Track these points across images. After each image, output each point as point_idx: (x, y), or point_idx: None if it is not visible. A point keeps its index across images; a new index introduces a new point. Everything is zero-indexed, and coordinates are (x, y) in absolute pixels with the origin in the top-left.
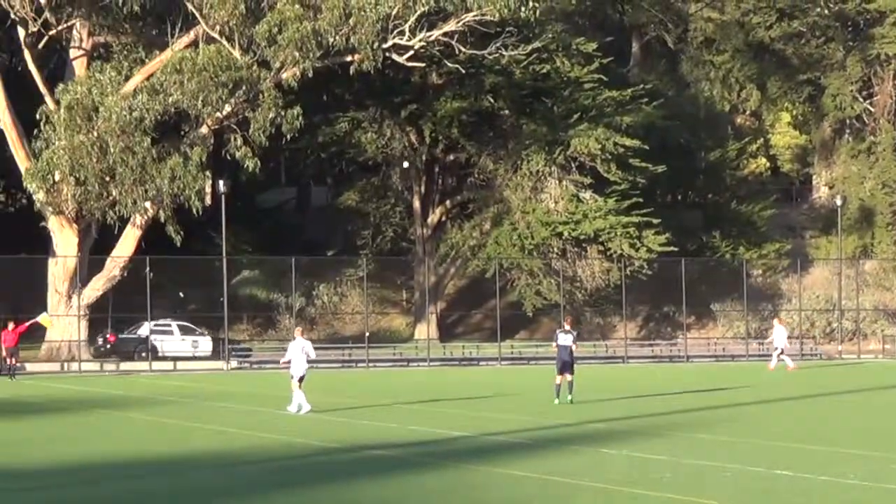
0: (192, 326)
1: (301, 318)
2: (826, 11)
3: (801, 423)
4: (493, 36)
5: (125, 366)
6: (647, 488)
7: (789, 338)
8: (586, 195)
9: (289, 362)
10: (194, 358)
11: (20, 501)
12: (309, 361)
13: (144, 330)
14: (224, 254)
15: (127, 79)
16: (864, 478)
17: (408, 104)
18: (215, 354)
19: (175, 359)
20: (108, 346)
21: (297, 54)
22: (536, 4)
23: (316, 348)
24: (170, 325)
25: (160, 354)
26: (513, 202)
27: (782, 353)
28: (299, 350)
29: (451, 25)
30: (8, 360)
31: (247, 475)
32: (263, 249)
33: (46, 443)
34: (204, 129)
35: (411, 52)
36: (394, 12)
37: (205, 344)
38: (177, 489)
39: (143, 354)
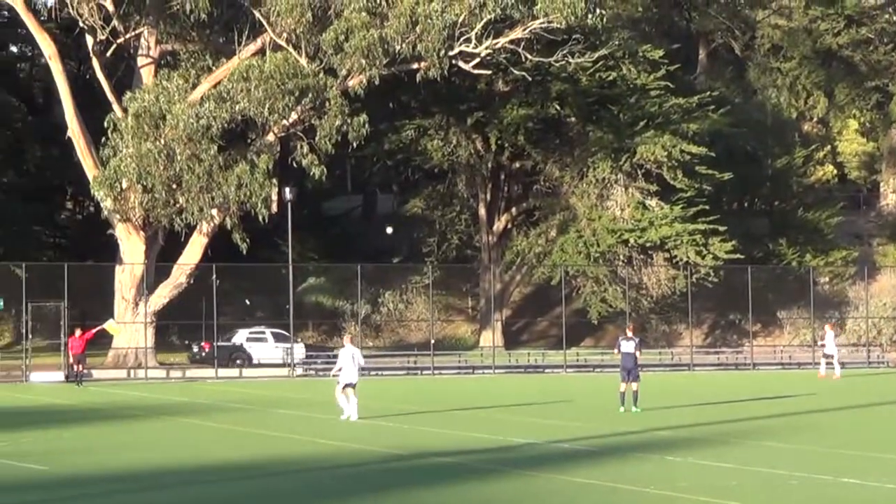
0: (286, 334)
1: (367, 326)
2: (895, 18)
3: (867, 431)
4: (560, 43)
5: (191, 373)
6: (714, 496)
7: (855, 345)
8: (652, 202)
9: (340, 370)
10: (260, 365)
11: None
12: (359, 369)
13: (238, 338)
14: (290, 261)
15: (194, 86)
16: None
17: (474, 111)
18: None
19: (240, 365)
20: (204, 353)
21: (363, 62)
22: (603, 12)
23: (381, 355)
24: (264, 333)
25: (254, 362)
26: (579, 209)
27: (831, 358)
28: (349, 358)
29: (517, 33)
30: (75, 367)
31: (313, 481)
32: (329, 257)
33: (113, 449)
34: (270, 137)
35: (477, 60)
36: (460, 20)
37: (298, 351)
38: (243, 495)
39: (238, 362)
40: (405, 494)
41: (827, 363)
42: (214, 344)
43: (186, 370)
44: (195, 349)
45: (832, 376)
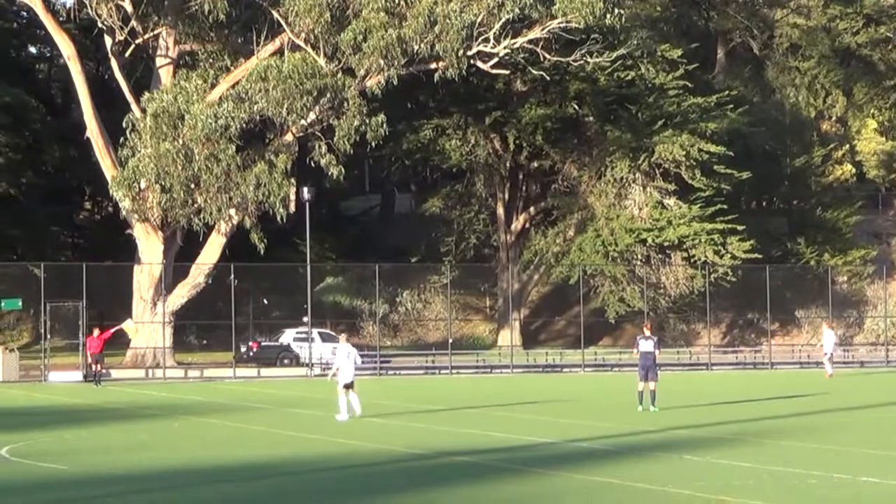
0: (333, 333)
1: (385, 325)
2: None
3: (886, 430)
4: (578, 43)
5: (209, 372)
6: (732, 495)
7: (874, 344)
8: (670, 202)
9: (338, 371)
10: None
11: None
12: (356, 369)
13: (286, 337)
14: (308, 261)
15: (212, 87)
16: None
17: (492, 111)
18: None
19: (288, 365)
20: (252, 353)
21: (381, 62)
22: (622, 11)
23: (399, 354)
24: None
25: (302, 361)
26: (597, 209)
27: (830, 357)
28: (345, 356)
29: (535, 33)
30: (93, 367)
31: (332, 481)
32: (347, 256)
33: (131, 449)
34: (288, 137)
35: (496, 60)
36: (479, 20)
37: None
38: (260, 494)
39: (286, 361)
40: (422, 494)
41: (829, 361)
42: (234, 342)
43: (204, 370)
44: (243, 349)
45: (826, 374)
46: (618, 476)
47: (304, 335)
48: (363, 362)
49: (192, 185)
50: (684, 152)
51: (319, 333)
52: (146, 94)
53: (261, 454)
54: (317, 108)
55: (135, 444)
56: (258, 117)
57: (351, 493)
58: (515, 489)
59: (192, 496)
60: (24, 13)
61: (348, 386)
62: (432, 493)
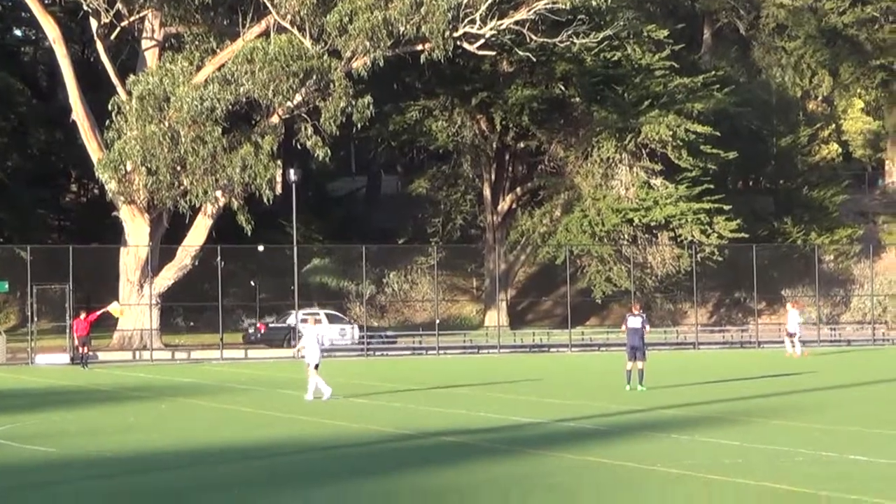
0: (340, 315)
1: (372, 306)
2: None
3: (873, 408)
4: (565, 24)
5: (196, 354)
6: (721, 474)
7: (860, 322)
8: (657, 182)
9: (303, 348)
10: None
11: (94, 489)
12: (323, 350)
13: (293, 319)
14: (295, 242)
15: (198, 69)
16: None
17: (478, 92)
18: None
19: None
20: (259, 334)
21: (367, 43)
22: None
23: (390, 336)
24: (318, 314)
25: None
26: (583, 189)
27: (793, 336)
28: (314, 338)
29: (522, 14)
30: (80, 349)
31: (321, 462)
32: (334, 238)
33: (118, 431)
34: (275, 119)
35: (482, 41)
36: (465, 1)
37: (351, 332)
38: (250, 476)
39: (292, 343)
40: (416, 475)
41: (792, 341)
42: (220, 324)
43: (191, 351)
44: (251, 330)
45: (794, 355)
46: (607, 455)
47: (310, 316)
48: (352, 343)
49: (179, 168)
50: (671, 132)
51: (326, 315)
52: (132, 77)
53: (249, 435)
54: (303, 89)
55: (122, 426)
56: (244, 99)
57: (340, 474)
58: (504, 469)
59: (180, 478)
60: None
61: (316, 367)
62: (421, 473)
